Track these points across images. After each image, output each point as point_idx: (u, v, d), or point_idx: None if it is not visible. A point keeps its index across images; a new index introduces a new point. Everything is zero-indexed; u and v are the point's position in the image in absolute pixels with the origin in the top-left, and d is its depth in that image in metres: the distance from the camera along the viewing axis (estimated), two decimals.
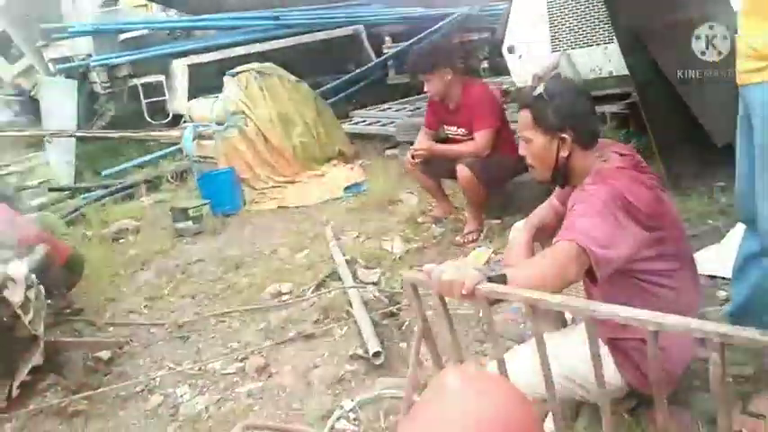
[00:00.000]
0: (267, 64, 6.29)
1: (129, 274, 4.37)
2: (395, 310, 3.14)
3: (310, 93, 6.41)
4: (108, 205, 6.05)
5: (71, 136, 6.57)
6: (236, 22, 8.20)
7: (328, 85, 8.19)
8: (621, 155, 1.93)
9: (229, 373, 2.88)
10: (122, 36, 7.85)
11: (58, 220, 3.97)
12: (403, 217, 4.39)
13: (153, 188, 6.51)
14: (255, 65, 6.20)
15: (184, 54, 8.06)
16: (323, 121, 6.29)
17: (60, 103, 8.12)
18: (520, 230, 2.22)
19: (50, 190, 7.07)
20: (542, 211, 2.24)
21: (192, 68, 7.95)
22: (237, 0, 8.49)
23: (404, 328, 3.02)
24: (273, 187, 5.76)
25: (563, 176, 1.96)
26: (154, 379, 2.93)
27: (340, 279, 3.54)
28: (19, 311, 2.71)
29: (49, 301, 3.83)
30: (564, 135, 1.87)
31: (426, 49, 3.91)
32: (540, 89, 1.90)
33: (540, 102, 1.89)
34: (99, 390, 2.87)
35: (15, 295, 2.75)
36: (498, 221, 3.97)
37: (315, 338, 3.02)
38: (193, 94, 7.63)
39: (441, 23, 8.66)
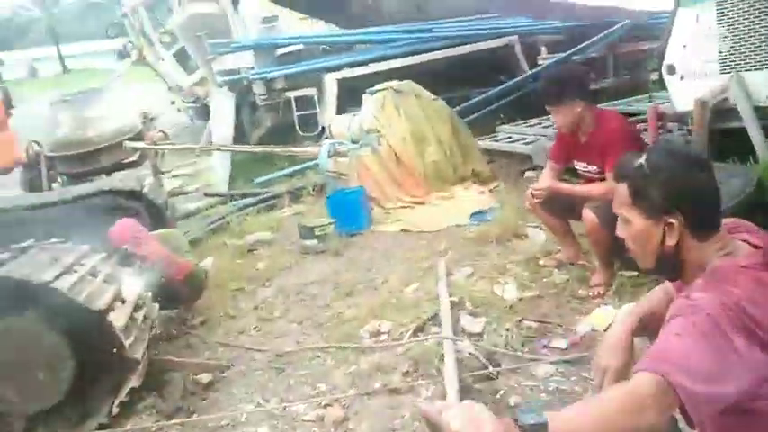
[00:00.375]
0: (405, 82, 6.19)
1: (252, 290, 4.51)
2: (492, 374, 2.84)
3: (447, 110, 6.21)
4: (251, 215, 6.35)
5: (217, 149, 7.00)
6: (389, 35, 8.22)
7: (476, 99, 7.93)
8: (754, 245, 1.48)
9: (309, 420, 2.79)
10: (279, 51, 8.23)
11: (182, 237, 4.18)
12: (524, 256, 4.03)
13: (295, 199, 6.73)
14: (394, 83, 6.13)
15: (336, 68, 8.28)
16: (458, 140, 6.05)
17: (222, 113, 8.78)
18: (625, 316, 1.83)
19: (206, 195, 7.64)
20: (654, 296, 1.82)
21: (342, 83, 8.14)
22: (390, 14, 8.52)
23: (499, 396, 2.71)
24: (401, 207, 5.65)
25: (671, 269, 1.56)
26: (241, 414, 2.92)
27: (441, 324, 3.30)
28: (120, 335, 2.84)
29: (171, 313, 4.12)
30: (671, 220, 1.48)
31: (554, 78, 3.50)
32: (641, 159, 1.53)
33: (640, 175, 1.52)
34: (191, 418, 2.93)
35: (120, 319, 2.89)
36: (634, 275, 3.46)
37: (400, 394, 2.83)
38: (343, 108, 7.83)
39: (604, 32, 7.99)
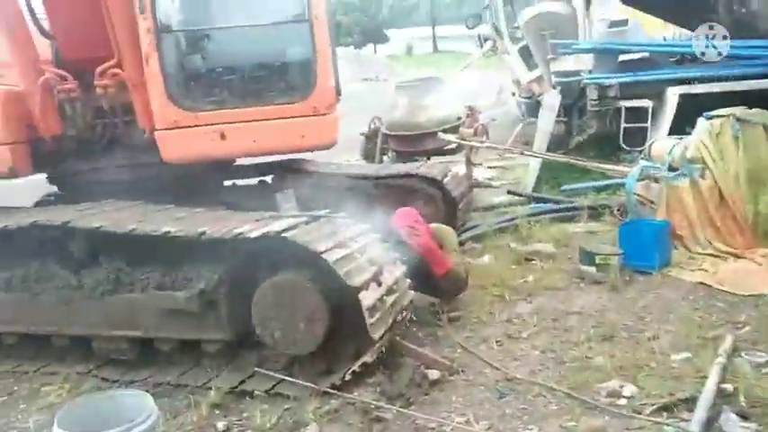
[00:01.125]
0: (755, 110, 5.20)
1: (512, 301, 4.47)
2: None
3: None
4: (544, 222, 6.22)
5: (521, 153, 6.97)
6: (755, 50, 6.98)
7: None
8: None
9: None
10: (622, 57, 7.70)
11: (452, 234, 4.32)
12: None
13: (595, 216, 6.36)
14: (739, 110, 5.21)
15: (683, 82, 7.42)
16: None
17: (547, 114, 8.68)
18: None
19: (509, 192, 7.73)
20: None
21: (685, 99, 7.27)
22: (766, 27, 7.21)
23: None
24: (711, 255, 4.86)
25: None
26: (449, 425, 2.96)
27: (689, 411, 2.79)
28: (366, 313, 3.13)
29: (430, 300, 4.35)
30: None
31: None
32: None
33: None
34: (406, 410, 3.09)
35: (369, 299, 3.17)
36: None
37: None
38: (680, 128, 7.01)
39: None
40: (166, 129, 4.00)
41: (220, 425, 3.09)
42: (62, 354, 3.94)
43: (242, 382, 3.44)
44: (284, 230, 3.28)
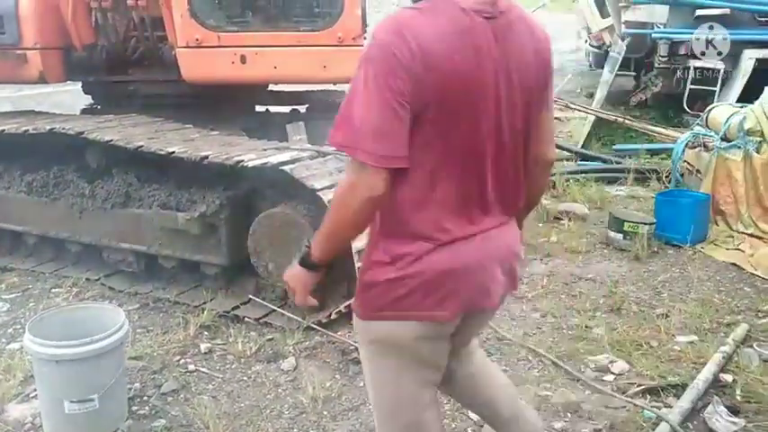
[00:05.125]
0: None
1: (526, 261, 4.31)
2: None
3: None
4: (584, 182, 5.94)
5: (566, 105, 6.57)
6: None
7: None
8: None
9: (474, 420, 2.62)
10: (699, 12, 7.05)
11: None
12: None
13: (642, 180, 6.02)
14: None
15: (766, 44, 6.76)
16: None
17: (607, 66, 8.15)
18: None
19: (556, 146, 7.37)
20: None
21: (764, 63, 6.64)
22: None
23: None
24: (751, 236, 4.51)
25: None
26: None
27: (677, 399, 2.63)
28: (354, 256, 3.06)
29: None
30: None
31: None
32: None
33: None
34: None
35: (359, 242, 3.09)
36: None
37: None
38: (753, 94, 6.44)
39: None
40: (188, 47, 3.93)
41: (203, 346, 3.15)
42: (76, 260, 4.10)
43: (235, 307, 3.49)
44: (284, 163, 3.21)
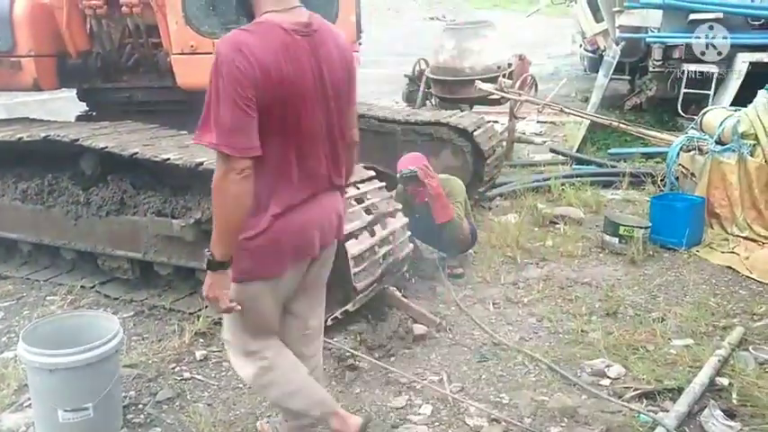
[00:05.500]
0: None
1: (523, 265, 4.32)
2: None
3: None
4: (579, 185, 5.94)
5: (561, 110, 6.58)
6: None
7: None
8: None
9: (468, 425, 2.61)
10: (693, 16, 7.08)
11: (461, 188, 4.14)
12: None
13: (637, 184, 6.03)
14: None
15: (760, 48, 6.79)
16: None
17: (602, 70, 8.18)
18: None
19: (551, 150, 7.40)
20: None
21: (757, 67, 6.67)
22: None
23: None
24: (746, 239, 4.52)
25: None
26: (419, 382, 2.90)
27: (674, 402, 2.63)
28: (350, 262, 3.06)
29: (437, 254, 4.25)
30: None
31: None
32: None
33: None
34: (386, 361, 3.05)
35: (354, 248, 3.10)
36: None
37: None
38: (747, 98, 6.47)
39: None
40: (183, 53, 3.93)
41: (199, 354, 3.14)
42: (71, 267, 4.09)
43: None
44: None
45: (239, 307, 1.92)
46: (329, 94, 1.93)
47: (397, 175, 3.97)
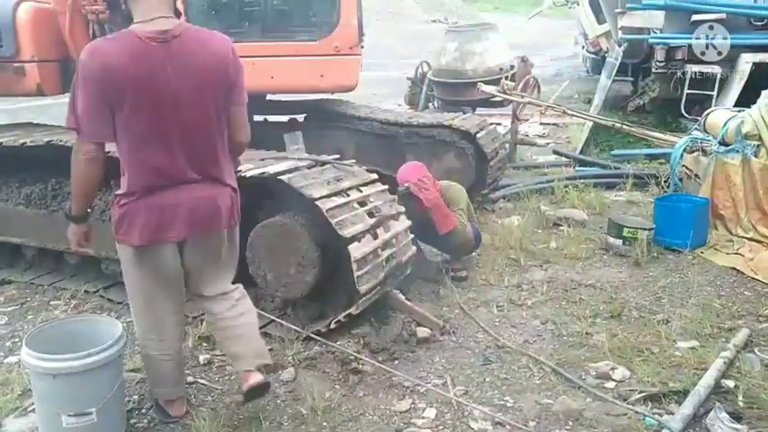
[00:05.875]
0: None
1: (527, 267, 4.30)
2: None
3: None
4: (583, 188, 5.93)
5: (563, 112, 6.55)
6: None
7: None
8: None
9: (473, 429, 2.59)
10: (695, 17, 7.07)
11: (462, 194, 4.12)
12: None
13: (641, 185, 6.01)
14: None
15: (763, 48, 6.78)
16: None
17: (604, 72, 8.16)
18: None
19: (554, 152, 7.39)
20: None
21: (761, 68, 6.66)
22: None
23: None
24: (751, 240, 4.50)
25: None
26: (423, 386, 2.89)
27: (679, 405, 2.61)
28: (354, 265, 3.05)
29: (441, 256, 4.25)
30: None
31: None
32: None
33: None
34: (389, 365, 3.03)
35: (358, 251, 3.09)
36: None
37: None
38: (750, 99, 6.45)
39: None
40: None
41: (202, 358, 3.14)
42: (74, 271, 4.09)
43: None
44: (281, 173, 3.20)
45: (90, 251, 2.68)
46: (195, 94, 2.18)
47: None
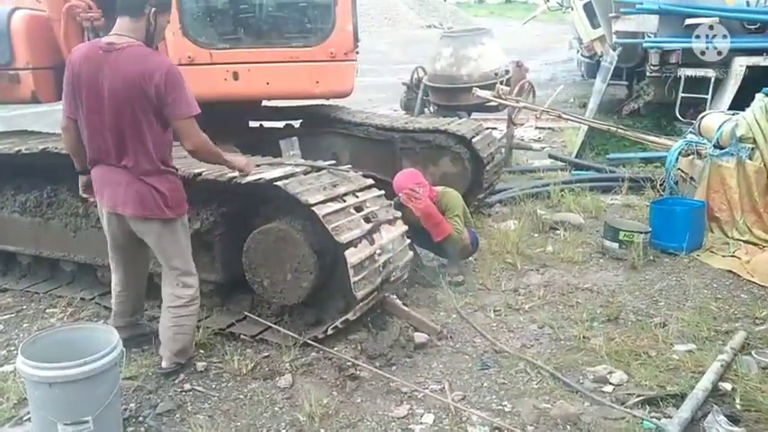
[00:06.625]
0: None
1: (524, 271, 4.31)
2: None
3: None
4: (579, 191, 5.95)
5: (558, 116, 6.58)
6: None
7: None
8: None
9: None
10: (689, 21, 7.11)
11: (458, 200, 4.13)
12: None
13: (637, 189, 6.03)
14: None
15: (756, 52, 6.82)
16: None
17: (601, 76, 8.19)
18: None
19: (550, 156, 7.41)
20: None
21: (755, 71, 6.70)
22: None
23: None
24: (747, 242, 4.52)
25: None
26: (421, 392, 2.88)
27: (677, 408, 2.61)
28: (350, 271, 3.05)
29: (439, 261, 4.25)
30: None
31: None
32: None
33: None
34: (387, 371, 3.03)
35: (354, 256, 3.09)
36: None
37: None
38: (745, 102, 6.49)
39: None
40: (180, 64, 3.92)
41: (199, 365, 3.12)
42: (70, 279, 4.08)
43: (231, 324, 3.47)
44: (278, 179, 3.20)
45: (92, 198, 3.06)
46: (121, 100, 2.64)
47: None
